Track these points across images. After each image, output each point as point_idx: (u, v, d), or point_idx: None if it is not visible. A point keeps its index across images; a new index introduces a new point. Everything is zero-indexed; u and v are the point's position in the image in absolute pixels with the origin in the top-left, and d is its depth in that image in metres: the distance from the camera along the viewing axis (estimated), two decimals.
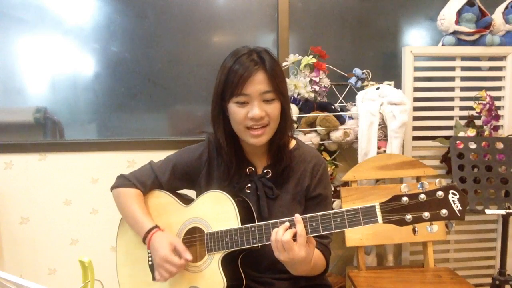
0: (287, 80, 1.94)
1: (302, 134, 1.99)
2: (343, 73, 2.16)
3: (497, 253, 2.20)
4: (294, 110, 1.98)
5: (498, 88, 2.16)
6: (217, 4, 2.16)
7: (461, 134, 2.03)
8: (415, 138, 2.15)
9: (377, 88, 2.01)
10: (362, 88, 2.11)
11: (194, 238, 1.26)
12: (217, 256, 1.20)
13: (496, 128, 2.01)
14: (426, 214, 0.98)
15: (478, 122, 2.04)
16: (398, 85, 2.11)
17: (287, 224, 1.08)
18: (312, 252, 1.10)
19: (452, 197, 0.97)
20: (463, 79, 2.15)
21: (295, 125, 1.93)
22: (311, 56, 2.00)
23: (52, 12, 2.06)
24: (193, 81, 2.17)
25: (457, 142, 1.87)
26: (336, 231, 1.07)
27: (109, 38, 2.09)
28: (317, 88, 2.00)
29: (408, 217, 0.99)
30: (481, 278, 2.26)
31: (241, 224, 1.17)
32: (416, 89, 2.11)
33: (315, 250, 1.15)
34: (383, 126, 1.98)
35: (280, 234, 1.06)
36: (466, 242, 2.25)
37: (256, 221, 1.19)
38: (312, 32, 2.22)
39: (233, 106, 1.19)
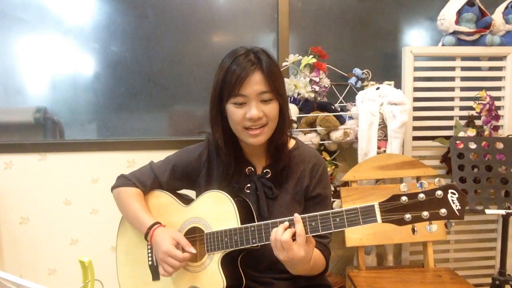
0: (287, 80, 1.94)
1: (302, 134, 1.99)
2: (343, 73, 2.16)
3: (497, 253, 2.20)
4: (294, 110, 1.98)
5: (498, 88, 2.16)
6: (217, 4, 2.16)
7: (461, 134, 2.03)
8: (415, 138, 2.15)
9: (377, 88, 2.01)
10: (362, 88, 2.11)
11: (194, 238, 1.26)
12: (217, 256, 1.20)
13: (496, 128, 2.01)
14: (425, 214, 0.98)
15: (478, 122, 2.04)
16: (398, 85, 2.11)
17: (287, 223, 1.08)
18: (312, 251, 1.11)
19: (451, 196, 0.97)
20: (463, 79, 2.15)
21: (295, 125, 1.93)
22: (311, 56, 2.00)
23: (52, 12, 2.06)
24: (193, 81, 2.17)
25: (457, 142, 1.87)
26: (335, 230, 1.07)
27: (109, 38, 2.09)
28: (317, 88, 2.00)
29: (407, 216, 0.99)
30: (481, 278, 2.26)
31: (241, 224, 1.17)
32: (416, 89, 2.11)
33: (315, 250, 1.15)
34: (383, 126, 1.98)
35: (280, 234, 1.06)
36: (466, 242, 2.25)
37: (256, 221, 1.19)
38: (312, 32, 2.22)
39: (231, 106, 1.19)
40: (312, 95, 2.00)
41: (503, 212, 1.77)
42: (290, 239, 1.05)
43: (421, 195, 0.98)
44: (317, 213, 1.07)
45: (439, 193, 0.97)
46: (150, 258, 1.31)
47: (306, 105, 2.04)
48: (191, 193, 1.42)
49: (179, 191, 1.42)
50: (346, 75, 2.16)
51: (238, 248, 1.17)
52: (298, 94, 1.99)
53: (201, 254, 1.23)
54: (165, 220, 1.30)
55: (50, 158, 2.05)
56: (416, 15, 2.29)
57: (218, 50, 2.16)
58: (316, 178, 1.28)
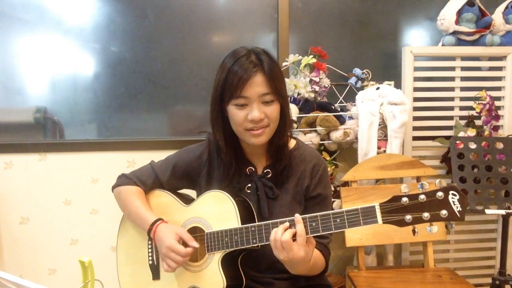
0: (287, 80, 1.94)
1: (302, 134, 1.99)
2: (343, 73, 2.16)
3: (497, 253, 2.20)
4: (294, 110, 1.98)
5: (498, 88, 2.16)
6: (217, 4, 2.16)
7: (461, 134, 2.03)
8: (415, 138, 2.15)
9: (377, 88, 2.01)
10: (362, 88, 2.11)
11: (195, 238, 1.26)
12: (217, 256, 1.20)
13: (496, 128, 2.01)
14: (426, 215, 0.98)
15: (478, 122, 2.04)
16: (398, 85, 2.11)
17: (287, 224, 1.08)
18: (312, 252, 1.11)
19: (452, 197, 0.97)
20: (463, 79, 2.15)
21: (295, 125, 1.93)
22: (311, 56, 2.00)
23: (52, 12, 2.06)
24: (193, 81, 2.17)
25: (457, 142, 1.87)
26: (336, 231, 1.07)
27: (109, 38, 2.09)
28: (317, 88, 2.00)
29: (408, 217, 0.99)
30: (481, 278, 2.26)
31: (242, 224, 1.17)
32: (416, 89, 2.11)
33: (315, 250, 1.15)
34: (383, 126, 1.98)
35: (279, 234, 1.06)
36: (466, 242, 2.25)
37: (257, 221, 1.19)
38: (312, 32, 2.22)
39: (232, 108, 1.19)
40: (312, 95, 2.00)
41: (503, 212, 1.77)
42: (290, 239, 1.05)
43: (422, 196, 0.98)
44: (318, 213, 1.07)
45: (440, 194, 0.97)
46: (150, 258, 1.31)
47: (306, 105, 2.04)
48: (191, 192, 1.42)
49: (179, 191, 1.42)
50: (346, 75, 2.16)
51: (238, 248, 1.17)
52: (298, 94, 1.99)
53: (202, 254, 1.24)
54: (166, 219, 1.30)
55: (50, 158, 2.05)
56: (416, 15, 2.29)
57: (218, 50, 2.16)
58: (316, 178, 1.28)
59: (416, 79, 2.11)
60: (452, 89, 2.15)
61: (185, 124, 2.24)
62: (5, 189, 2.03)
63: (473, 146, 1.85)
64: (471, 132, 1.99)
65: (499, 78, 2.16)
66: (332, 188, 1.99)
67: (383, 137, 1.98)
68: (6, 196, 2.04)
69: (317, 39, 2.20)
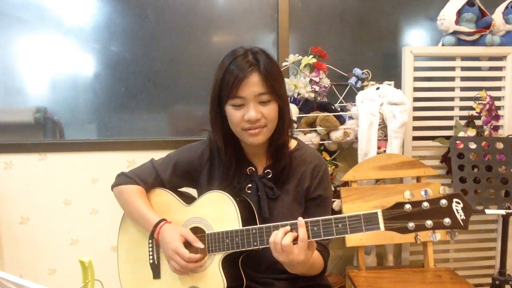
0: (287, 80, 1.94)
1: (302, 134, 1.99)
2: (343, 73, 2.16)
3: (497, 253, 2.20)
4: (294, 110, 1.98)
5: (498, 88, 2.16)
6: (217, 4, 2.16)
7: (461, 134, 2.02)
8: (415, 138, 2.14)
9: (377, 88, 2.01)
10: (362, 88, 2.11)
11: None
12: (218, 257, 1.20)
13: (496, 128, 2.01)
14: (429, 223, 0.96)
15: (478, 122, 2.04)
16: (398, 85, 2.11)
17: (288, 227, 1.08)
18: (311, 255, 1.10)
19: (456, 206, 0.96)
20: (463, 79, 2.15)
21: (295, 125, 1.93)
22: (311, 56, 2.00)
23: (52, 12, 2.06)
24: (193, 81, 2.17)
25: (457, 142, 1.87)
26: (337, 236, 1.06)
27: (109, 38, 2.09)
28: (317, 88, 2.00)
29: (411, 225, 0.97)
30: (481, 278, 2.26)
31: (243, 225, 1.17)
32: (416, 89, 2.11)
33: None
34: (383, 126, 1.98)
35: (279, 237, 1.06)
36: (466, 242, 2.25)
37: (258, 221, 1.19)
38: (312, 32, 2.22)
39: (229, 108, 1.19)
40: (312, 95, 2.00)
41: (503, 212, 1.77)
42: (291, 243, 1.05)
43: (425, 204, 0.97)
44: (320, 218, 1.06)
45: (443, 202, 0.96)
46: (151, 257, 1.31)
47: (306, 105, 2.04)
48: (192, 191, 1.42)
49: (180, 189, 1.42)
50: (346, 75, 2.16)
51: (239, 250, 1.17)
52: (298, 94, 1.99)
53: (202, 254, 1.24)
54: (167, 218, 1.29)
55: (50, 158, 2.05)
56: (416, 15, 2.29)
57: (218, 50, 2.16)
58: (317, 179, 1.28)
59: (416, 79, 2.11)
60: (452, 89, 2.15)
61: (185, 124, 2.24)
62: (5, 189, 2.03)
63: (473, 146, 1.85)
64: (471, 132, 1.99)
65: (499, 78, 2.16)
66: (332, 188, 1.99)
67: (383, 137, 1.98)
68: (6, 196, 2.04)
69: (317, 39, 2.20)
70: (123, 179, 1.36)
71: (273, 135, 1.23)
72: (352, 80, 2.12)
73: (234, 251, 1.17)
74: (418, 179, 1.94)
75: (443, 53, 2.12)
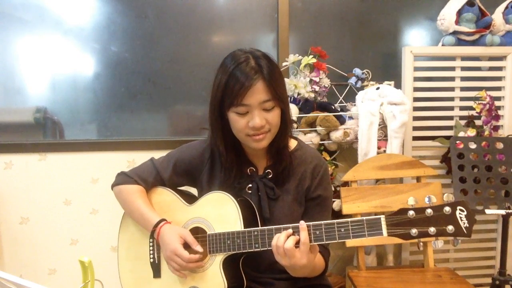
0: (287, 80, 1.94)
1: (302, 134, 1.99)
2: (343, 73, 2.16)
3: (497, 253, 2.20)
4: (294, 110, 1.98)
5: (498, 88, 2.16)
6: (217, 4, 2.15)
7: (461, 134, 2.03)
8: (415, 138, 2.15)
9: (377, 88, 2.01)
10: (362, 88, 2.11)
11: (196, 238, 1.26)
12: (219, 258, 1.20)
13: (496, 128, 2.01)
14: (432, 230, 0.96)
15: (478, 122, 2.04)
16: (398, 85, 2.11)
17: (290, 231, 1.08)
18: (314, 258, 1.10)
19: (460, 213, 0.96)
20: (463, 79, 2.15)
21: (295, 125, 1.93)
22: (311, 56, 2.00)
23: (52, 12, 2.06)
24: (193, 81, 2.16)
25: (457, 142, 1.87)
26: (339, 241, 1.06)
27: (109, 38, 2.09)
28: (317, 88, 2.00)
29: (414, 231, 0.97)
30: (481, 278, 2.26)
31: (244, 225, 1.17)
32: (416, 89, 2.11)
33: None
34: (383, 126, 1.98)
35: (282, 241, 1.06)
36: (466, 242, 2.24)
37: (259, 222, 1.19)
38: (312, 32, 2.22)
39: (233, 115, 1.17)
40: (312, 95, 2.00)
41: (503, 212, 1.77)
42: (293, 246, 1.05)
43: (429, 211, 0.96)
44: (322, 222, 1.06)
45: (447, 209, 0.96)
46: (151, 256, 1.31)
47: (306, 105, 2.04)
48: (192, 190, 1.42)
49: (181, 188, 1.42)
50: (346, 75, 2.16)
51: (240, 251, 1.17)
52: (298, 94, 1.99)
53: (203, 254, 1.23)
54: (167, 218, 1.29)
55: (50, 158, 2.05)
56: (416, 15, 2.29)
57: (218, 50, 2.16)
58: (317, 179, 1.28)
59: (416, 79, 2.11)
60: (452, 89, 2.15)
61: (185, 124, 2.24)
62: (5, 189, 2.03)
63: (473, 146, 1.85)
64: (471, 132, 1.99)
65: (499, 78, 2.16)
66: (332, 188, 1.98)
67: (383, 137, 1.98)
68: (6, 196, 2.04)
69: (317, 39, 2.20)
70: (123, 178, 1.36)
71: (275, 138, 1.23)
72: (352, 80, 2.12)
73: (235, 252, 1.17)
74: (418, 179, 1.94)
75: (443, 53, 2.12)
